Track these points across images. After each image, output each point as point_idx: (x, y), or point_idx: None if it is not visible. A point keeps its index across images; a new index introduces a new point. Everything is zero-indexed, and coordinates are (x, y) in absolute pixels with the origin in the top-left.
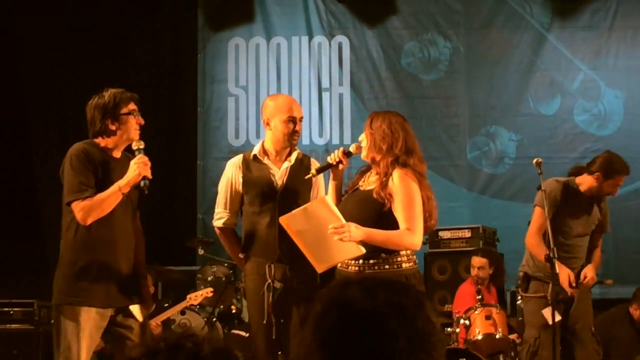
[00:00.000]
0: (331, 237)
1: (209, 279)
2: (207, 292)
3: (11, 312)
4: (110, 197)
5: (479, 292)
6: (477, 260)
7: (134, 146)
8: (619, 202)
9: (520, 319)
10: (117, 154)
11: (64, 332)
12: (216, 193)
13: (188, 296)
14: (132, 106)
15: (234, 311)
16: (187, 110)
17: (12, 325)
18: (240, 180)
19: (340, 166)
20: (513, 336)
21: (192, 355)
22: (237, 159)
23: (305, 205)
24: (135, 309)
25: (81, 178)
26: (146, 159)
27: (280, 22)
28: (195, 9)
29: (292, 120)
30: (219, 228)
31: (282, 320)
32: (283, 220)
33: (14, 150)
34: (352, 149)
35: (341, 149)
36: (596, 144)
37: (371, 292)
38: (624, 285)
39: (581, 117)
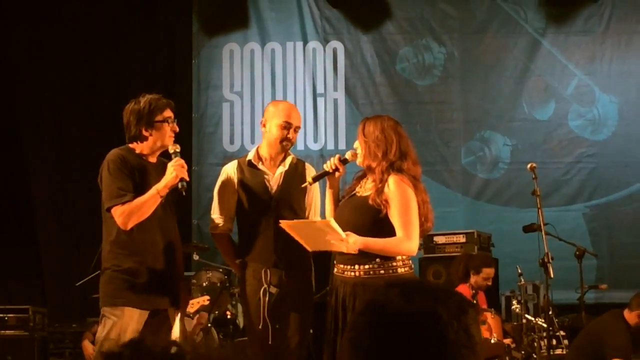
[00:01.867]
0: (325, 240)
1: (204, 284)
2: (203, 300)
3: (6, 318)
4: (149, 201)
5: (474, 296)
6: (491, 271)
7: (170, 150)
8: (614, 207)
9: (515, 323)
10: (152, 158)
11: (108, 333)
12: (211, 198)
13: None
14: (167, 113)
15: (229, 317)
16: (182, 115)
17: (7, 332)
18: (235, 185)
19: (337, 174)
20: (507, 340)
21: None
22: (232, 165)
23: (311, 220)
24: (170, 313)
25: (119, 183)
26: (183, 161)
27: (274, 27)
28: (190, 15)
29: (288, 126)
30: (215, 234)
31: (277, 326)
32: (285, 223)
33: (8, 156)
34: (348, 156)
35: (337, 156)
36: (591, 149)
37: (409, 297)
38: (618, 290)
39: (576, 122)
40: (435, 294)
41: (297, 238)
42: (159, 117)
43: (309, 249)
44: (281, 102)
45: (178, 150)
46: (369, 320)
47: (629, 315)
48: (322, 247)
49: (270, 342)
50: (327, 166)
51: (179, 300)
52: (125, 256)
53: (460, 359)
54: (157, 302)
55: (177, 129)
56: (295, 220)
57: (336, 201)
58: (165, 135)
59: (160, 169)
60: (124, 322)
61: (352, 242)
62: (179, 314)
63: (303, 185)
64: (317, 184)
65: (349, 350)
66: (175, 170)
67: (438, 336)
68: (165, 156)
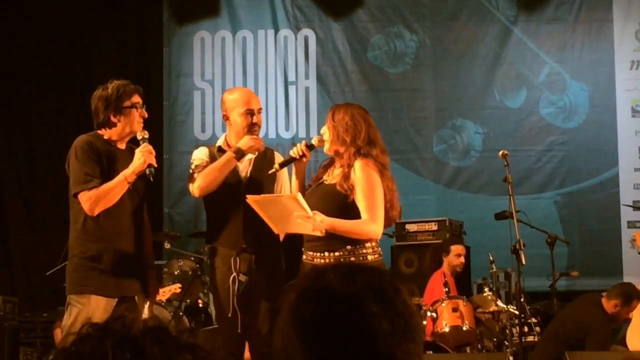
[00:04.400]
0: (294, 218)
1: (176, 272)
2: (175, 288)
3: None
4: (117, 187)
5: (445, 284)
6: (460, 248)
7: (139, 136)
8: (585, 195)
9: (486, 311)
10: (121, 145)
11: (74, 321)
12: (183, 187)
13: None
14: (135, 99)
15: (200, 305)
16: (153, 104)
17: None
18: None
19: (304, 159)
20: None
21: (118, 337)
22: (203, 149)
23: (278, 195)
24: (139, 300)
25: (86, 169)
26: (151, 147)
27: (246, 15)
28: (160, 3)
29: (250, 112)
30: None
31: (247, 314)
32: (251, 198)
33: None
34: (314, 141)
35: (303, 142)
36: (562, 137)
37: (349, 278)
38: (589, 277)
39: (547, 110)
40: (371, 272)
41: (263, 216)
42: (127, 103)
43: (275, 231)
44: (236, 90)
45: (146, 136)
46: (315, 307)
47: (607, 304)
48: (289, 228)
49: (239, 331)
50: (294, 152)
51: (147, 288)
52: (92, 243)
53: (412, 330)
54: (124, 289)
55: (146, 115)
56: (261, 195)
57: (302, 187)
58: (134, 121)
59: (128, 155)
60: (90, 310)
61: (319, 220)
62: (149, 302)
63: (270, 172)
64: (285, 172)
65: (296, 336)
66: (143, 156)
67: (388, 309)
68: (135, 142)
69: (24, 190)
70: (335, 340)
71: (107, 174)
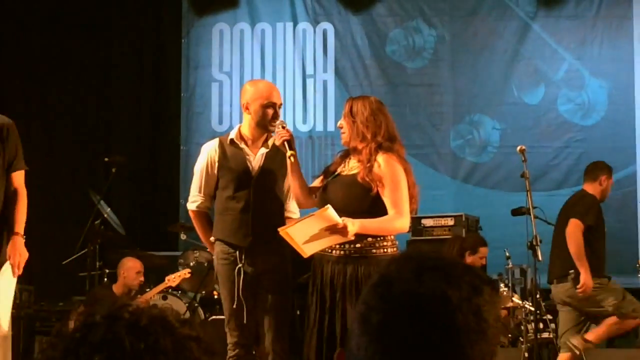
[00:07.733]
0: (324, 233)
1: (191, 264)
2: (184, 273)
3: None
4: None
5: None
6: (486, 251)
7: None
8: None
9: (502, 307)
10: None
11: None
12: None
13: (166, 278)
14: None
15: (216, 296)
16: (171, 95)
17: None
18: (216, 164)
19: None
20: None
21: (130, 325)
22: (213, 143)
23: (308, 216)
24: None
25: None
26: None
27: (264, 8)
28: None
29: (271, 106)
30: (192, 211)
31: (253, 305)
32: (282, 230)
33: None
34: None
35: (279, 121)
36: (580, 134)
37: (419, 276)
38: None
39: (565, 107)
40: (447, 272)
41: (292, 244)
42: None
43: (304, 255)
44: (259, 82)
45: None
46: (377, 296)
47: (593, 187)
48: (317, 245)
49: (245, 322)
50: (282, 134)
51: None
52: None
53: (467, 345)
54: None
55: None
56: (292, 224)
57: (297, 165)
58: None
59: None
60: None
61: (350, 227)
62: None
63: (293, 160)
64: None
65: (357, 325)
66: None
67: (445, 321)
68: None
69: (41, 179)
70: (385, 334)
71: None
